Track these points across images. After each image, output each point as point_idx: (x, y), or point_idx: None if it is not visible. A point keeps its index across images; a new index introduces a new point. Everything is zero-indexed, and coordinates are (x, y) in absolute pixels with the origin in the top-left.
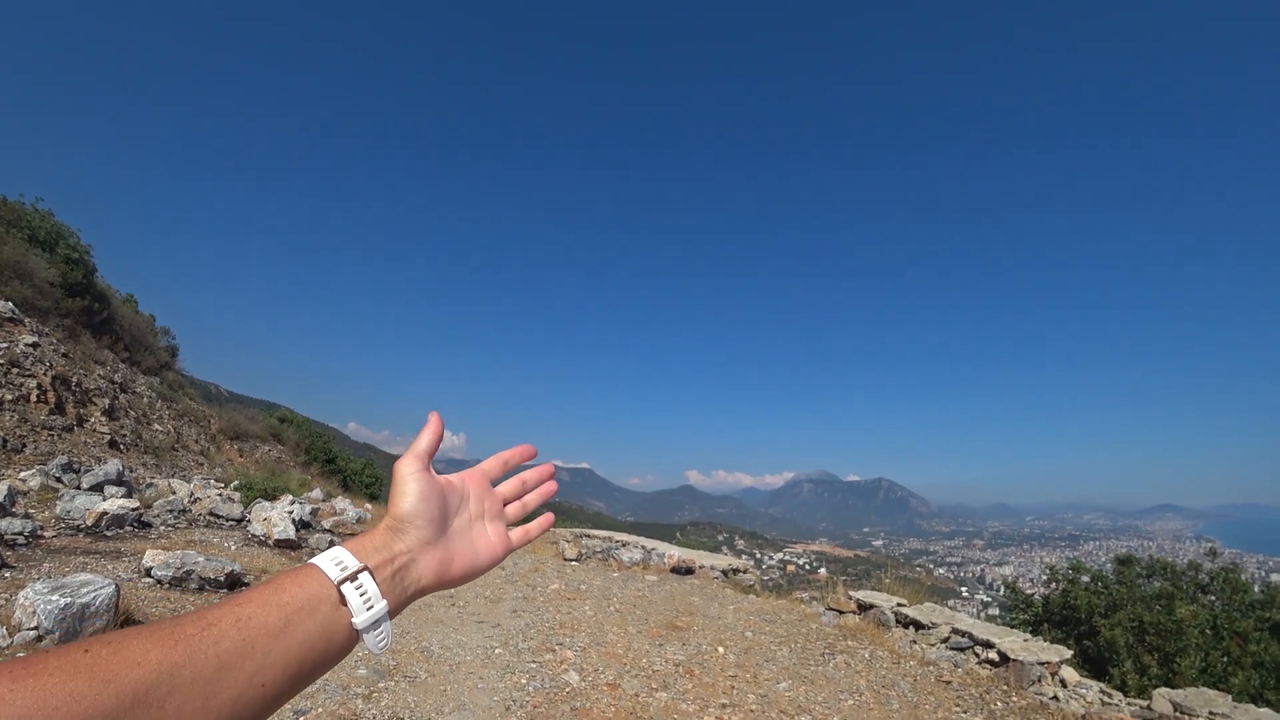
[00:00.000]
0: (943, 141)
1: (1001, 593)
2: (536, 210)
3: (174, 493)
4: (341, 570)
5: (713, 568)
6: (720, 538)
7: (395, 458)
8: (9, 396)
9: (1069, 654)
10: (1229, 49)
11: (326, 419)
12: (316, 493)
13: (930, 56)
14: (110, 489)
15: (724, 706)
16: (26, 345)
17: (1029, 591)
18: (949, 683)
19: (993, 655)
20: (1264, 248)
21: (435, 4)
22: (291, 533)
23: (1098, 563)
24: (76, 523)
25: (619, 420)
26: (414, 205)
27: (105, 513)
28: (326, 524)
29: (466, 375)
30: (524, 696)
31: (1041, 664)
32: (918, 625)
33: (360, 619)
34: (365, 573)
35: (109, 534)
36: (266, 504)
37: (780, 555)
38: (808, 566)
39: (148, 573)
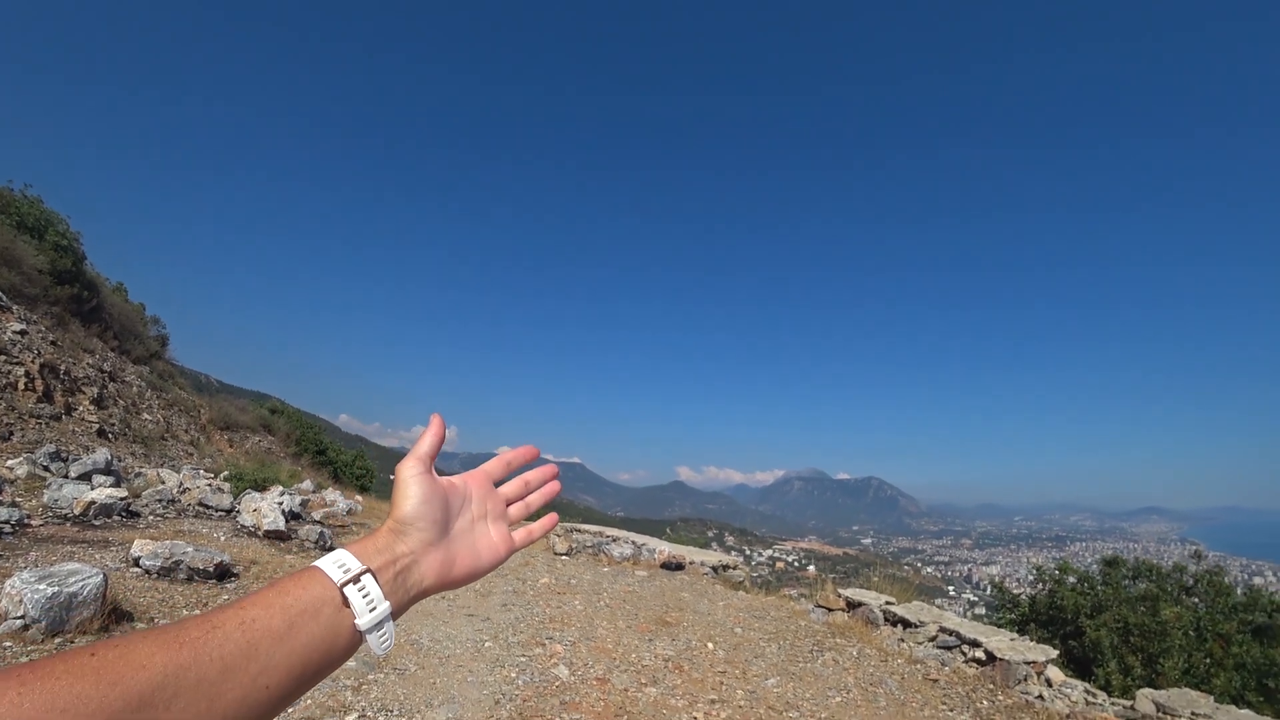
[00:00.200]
0: (938, 141)
1: (989, 592)
2: (531, 204)
3: (163, 482)
4: (344, 572)
5: (703, 564)
6: (710, 534)
7: (386, 450)
8: None
9: (1055, 654)
10: (1226, 49)
11: (317, 410)
12: (307, 484)
13: (928, 56)
14: (98, 478)
15: (713, 702)
16: (14, 333)
17: (1016, 591)
18: (936, 681)
19: (979, 654)
20: (1253, 249)
21: None
22: (281, 524)
23: (1084, 564)
24: (64, 511)
25: (611, 415)
26: (408, 198)
27: (93, 502)
28: (316, 515)
29: (460, 368)
30: (513, 690)
31: (1028, 663)
32: (905, 623)
33: (363, 620)
34: (368, 575)
35: (97, 523)
36: (256, 495)
37: (770, 552)
38: (797, 564)
39: (136, 562)
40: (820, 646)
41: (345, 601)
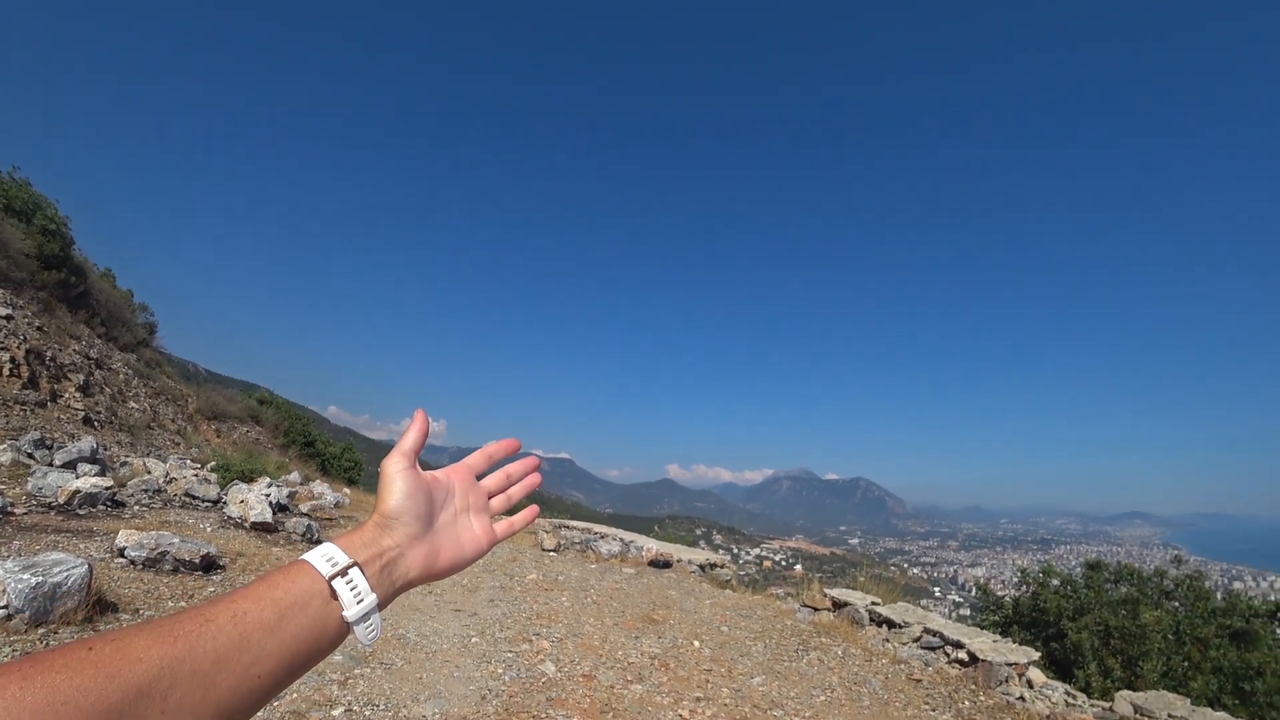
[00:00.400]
0: (931, 141)
1: (974, 594)
2: (522, 200)
3: (149, 472)
4: (332, 566)
5: (690, 562)
6: (698, 532)
7: (375, 442)
8: None
9: (1036, 655)
10: (1228, 50)
11: (306, 402)
12: (294, 476)
13: (927, 56)
14: (83, 467)
15: (698, 700)
16: (0, 317)
17: (1000, 593)
18: (919, 681)
19: (962, 655)
20: (1241, 255)
21: None
22: (268, 516)
23: (1068, 567)
24: (48, 500)
25: (600, 412)
26: (401, 191)
27: (78, 491)
28: (304, 508)
29: (449, 362)
30: (500, 686)
31: (1009, 665)
32: (891, 624)
33: (351, 612)
34: (355, 568)
35: (81, 512)
36: (243, 486)
37: (758, 551)
38: (784, 563)
39: (121, 553)
40: (806, 646)
41: (333, 594)
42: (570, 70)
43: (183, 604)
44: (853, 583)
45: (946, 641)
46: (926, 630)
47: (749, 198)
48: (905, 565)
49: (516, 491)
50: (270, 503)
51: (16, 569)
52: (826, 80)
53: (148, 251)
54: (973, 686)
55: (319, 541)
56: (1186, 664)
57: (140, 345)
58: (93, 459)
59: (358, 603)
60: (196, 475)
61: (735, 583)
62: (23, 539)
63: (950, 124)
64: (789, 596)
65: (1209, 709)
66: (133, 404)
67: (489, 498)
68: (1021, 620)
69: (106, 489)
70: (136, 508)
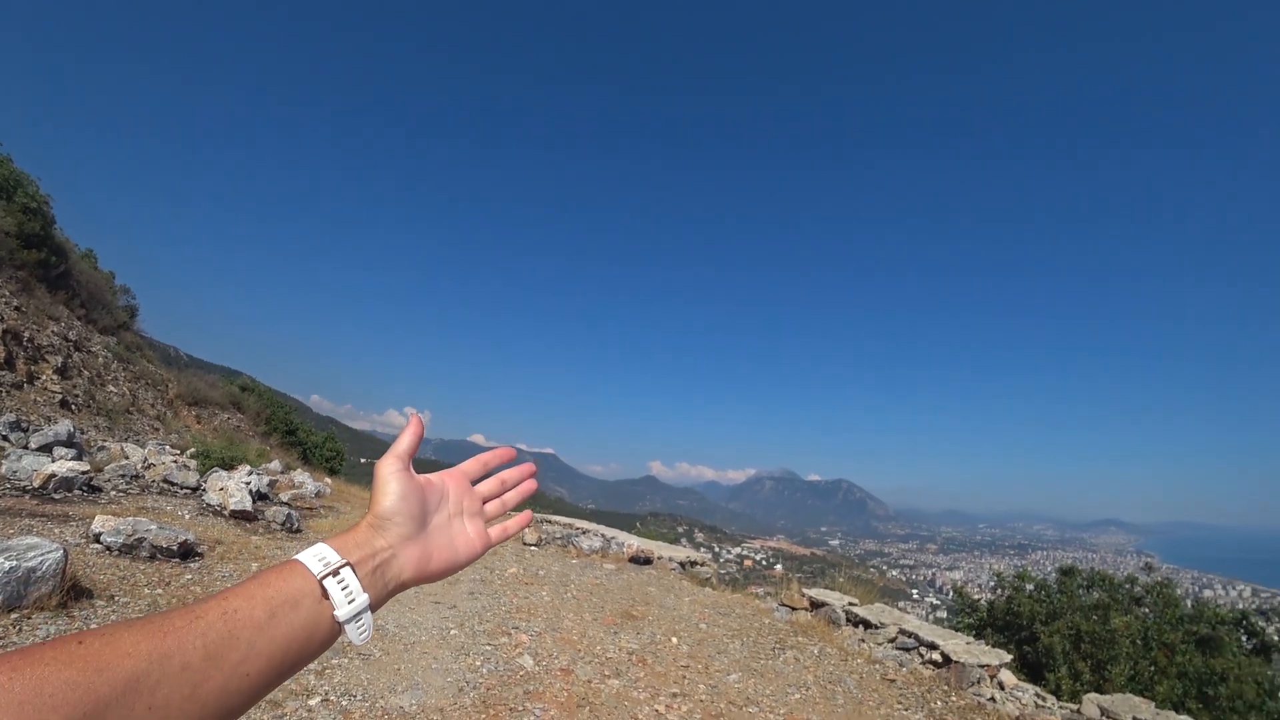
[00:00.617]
0: (923, 142)
1: (951, 597)
2: (506, 192)
3: (127, 457)
4: (324, 565)
5: (670, 559)
6: (680, 530)
7: (358, 432)
8: None
9: (1008, 658)
10: (1230, 55)
11: (289, 390)
12: (275, 464)
13: (912, 58)
14: (60, 450)
15: (674, 696)
16: None
17: (976, 597)
18: (893, 681)
19: (936, 656)
20: (1217, 266)
21: None
22: (248, 504)
23: (1044, 572)
24: (23, 484)
25: (585, 407)
26: (385, 183)
27: (54, 475)
28: (284, 496)
29: (433, 354)
30: (477, 678)
31: (982, 666)
32: (867, 624)
33: (342, 612)
34: (347, 568)
35: (57, 497)
36: (223, 473)
37: (739, 550)
38: (765, 562)
39: (97, 538)
40: (783, 644)
41: (325, 594)
42: (545, 62)
43: (159, 591)
44: (831, 583)
45: (921, 642)
46: (902, 631)
47: (733, 196)
48: (885, 567)
49: (511, 497)
50: (250, 491)
51: None
52: (810, 78)
53: (130, 235)
54: (945, 687)
55: (299, 531)
56: (1153, 668)
57: (120, 328)
58: (69, 443)
59: (349, 603)
60: (175, 461)
61: (715, 581)
62: None
63: (935, 126)
64: (768, 596)
65: (1173, 713)
66: (111, 388)
67: (483, 502)
68: (995, 623)
69: (83, 473)
70: (113, 493)
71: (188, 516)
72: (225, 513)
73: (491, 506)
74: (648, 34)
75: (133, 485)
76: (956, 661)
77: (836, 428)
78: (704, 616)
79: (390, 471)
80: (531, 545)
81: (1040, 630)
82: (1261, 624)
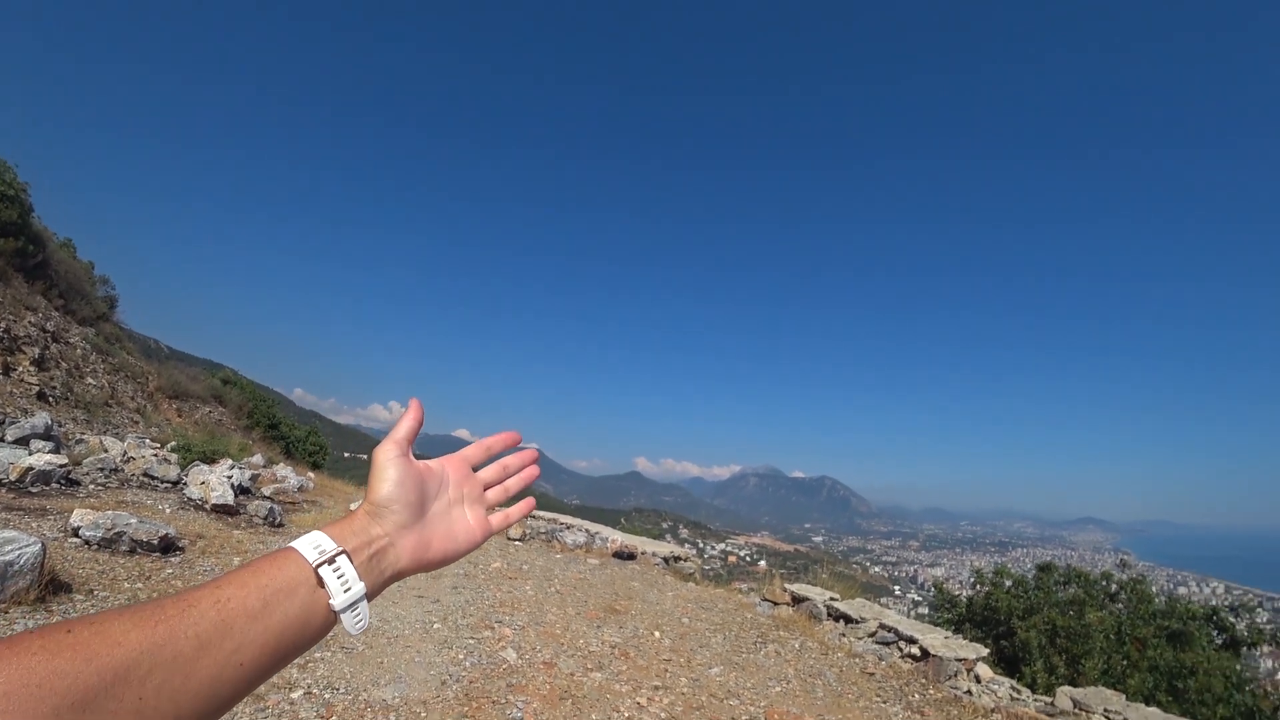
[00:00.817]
0: (916, 141)
1: (932, 593)
2: (491, 187)
3: (106, 451)
4: (320, 553)
5: (654, 554)
6: (665, 525)
7: (342, 426)
8: None
9: (985, 652)
10: (1228, 58)
11: (271, 383)
12: (257, 458)
13: (910, 58)
14: (37, 443)
15: (656, 688)
16: None
17: (955, 592)
18: (872, 674)
19: (915, 650)
20: (1193, 266)
21: None
22: (230, 498)
23: (1023, 568)
24: None
25: (570, 402)
26: (370, 177)
27: (31, 468)
28: (267, 491)
29: (418, 349)
30: (460, 671)
31: (959, 660)
32: (848, 619)
33: (338, 601)
34: (343, 556)
35: (34, 490)
36: (205, 467)
37: (723, 546)
38: (749, 558)
39: (75, 532)
40: (764, 638)
41: (320, 582)
42: (545, 56)
43: (139, 585)
44: (814, 579)
45: (900, 637)
46: (882, 626)
47: (715, 194)
48: (868, 564)
49: (514, 484)
50: (232, 485)
51: None
52: (799, 77)
53: (110, 227)
54: (923, 680)
55: (281, 525)
56: (1126, 662)
57: (100, 319)
58: (47, 435)
59: (345, 591)
60: (156, 455)
61: (699, 576)
62: None
63: (930, 126)
64: (752, 591)
65: (1143, 705)
66: (90, 380)
67: (484, 489)
68: (974, 618)
69: (61, 467)
70: (92, 487)
71: (168, 510)
72: (207, 507)
73: (493, 493)
74: (648, 34)
75: (112, 479)
76: (934, 655)
77: (821, 425)
78: (687, 611)
79: (388, 457)
80: (516, 540)
81: (1017, 625)
82: (1231, 619)
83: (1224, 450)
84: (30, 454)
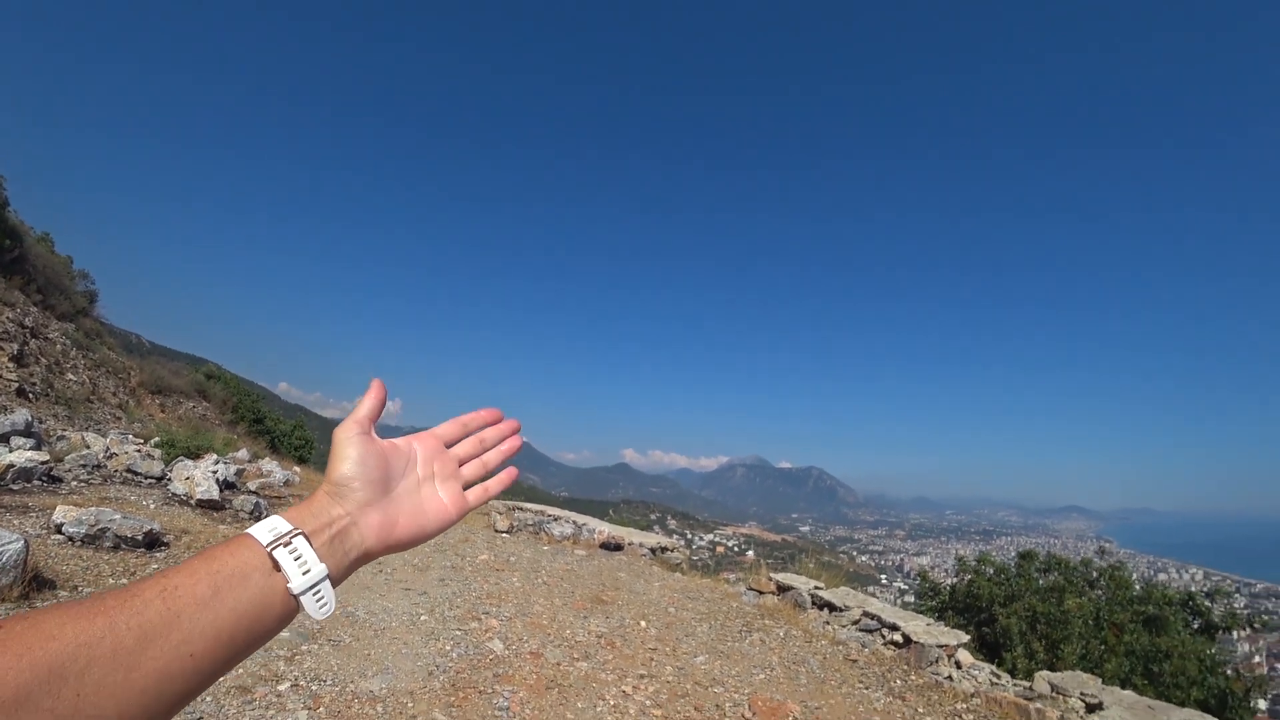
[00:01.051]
0: (905, 137)
1: (917, 582)
2: (477, 181)
3: (88, 447)
4: (275, 536)
5: (641, 545)
6: (653, 517)
7: (327, 420)
8: None
9: (966, 638)
10: (1224, 57)
11: (256, 378)
12: (242, 453)
13: (907, 58)
14: (17, 440)
15: (641, 677)
16: None
17: (939, 580)
18: (855, 661)
19: (897, 637)
20: (1177, 259)
21: None
22: (215, 493)
23: (1007, 557)
24: None
25: (558, 394)
26: (355, 170)
27: (11, 465)
28: (252, 485)
29: (405, 342)
30: (447, 662)
31: (940, 646)
32: (832, 607)
33: (296, 583)
34: (299, 537)
35: (15, 487)
36: (189, 462)
37: (711, 536)
38: (736, 548)
39: (58, 529)
40: (749, 627)
41: (276, 565)
42: (535, 50)
43: (124, 581)
44: (801, 568)
45: (883, 624)
46: (865, 613)
47: (702, 188)
48: (854, 553)
49: (493, 457)
50: (217, 480)
51: None
52: (786, 76)
53: (90, 222)
54: (905, 667)
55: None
56: (1103, 647)
57: (79, 314)
58: (27, 432)
59: (304, 574)
60: (139, 451)
61: (686, 566)
62: None
63: (924, 126)
64: (739, 580)
65: (1118, 688)
66: (71, 376)
67: (460, 465)
68: (957, 606)
69: (42, 463)
70: (75, 483)
71: (153, 506)
72: (191, 502)
73: (470, 468)
74: (648, 34)
75: (95, 475)
76: (916, 642)
77: (808, 416)
78: (673, 601)
79: (347, 436)
80: (503, 532)
81: (999, 612)
82: (1207, 604)
83: (1207, 439)
84: (10, 451)
